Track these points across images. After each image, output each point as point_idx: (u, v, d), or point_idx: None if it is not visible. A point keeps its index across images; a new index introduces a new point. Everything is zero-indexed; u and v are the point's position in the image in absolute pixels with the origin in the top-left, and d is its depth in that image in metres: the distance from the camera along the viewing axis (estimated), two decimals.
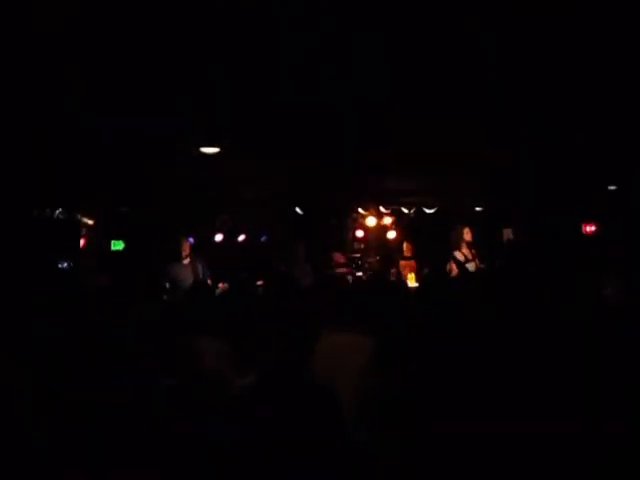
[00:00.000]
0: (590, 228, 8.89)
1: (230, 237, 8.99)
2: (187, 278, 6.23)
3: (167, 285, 6.20)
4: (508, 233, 9.79)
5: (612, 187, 7.49)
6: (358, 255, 9.88)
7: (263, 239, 9.14)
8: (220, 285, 6.39)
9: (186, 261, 6.57)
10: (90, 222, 7.65)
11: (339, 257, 8.29)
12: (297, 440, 2.06)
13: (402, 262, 8.73)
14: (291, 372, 2.47)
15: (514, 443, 2.14)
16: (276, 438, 2.05)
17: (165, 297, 5.50)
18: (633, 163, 6.24)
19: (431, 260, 7.87)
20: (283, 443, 2.04)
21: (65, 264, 4.68)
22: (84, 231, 7.41)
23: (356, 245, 10.21)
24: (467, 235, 7.83)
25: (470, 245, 7.79)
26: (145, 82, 3.76)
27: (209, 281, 6.28)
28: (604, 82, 3.86)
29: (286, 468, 1.98)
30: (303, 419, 2.10)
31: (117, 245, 7.93)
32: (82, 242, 7.21)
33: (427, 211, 8.84)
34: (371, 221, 9.34)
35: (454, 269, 7.49)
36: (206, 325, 3.21)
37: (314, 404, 2.16)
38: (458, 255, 7.71)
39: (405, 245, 8.82)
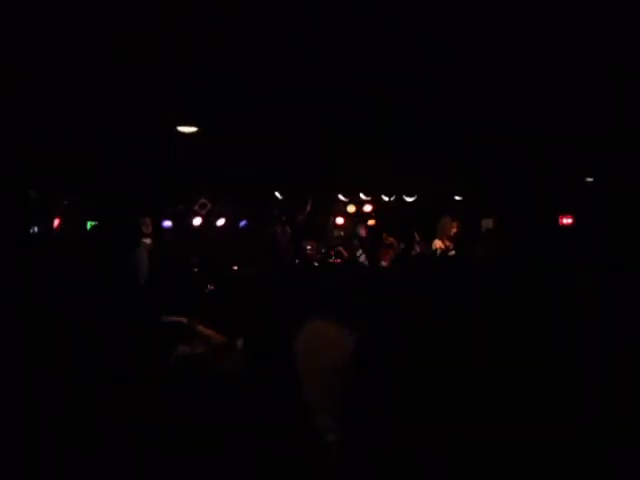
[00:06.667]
0: (567, 220, 8.95)
1: (209, 221, 8.91)
2: None
3: None
4: (487, 223, 9.83)
5: (589, 179, 7.55)
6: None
7: (243, 224, 9.07)
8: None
9: None
10: (65, 202, 7.52)
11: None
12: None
13: (382, 250, 8.74)
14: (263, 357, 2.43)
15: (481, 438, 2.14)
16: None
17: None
18: (610, 155, 6.29)
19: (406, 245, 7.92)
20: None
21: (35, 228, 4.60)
22: (59, 211, 7.30)
23: (336, 232, 10.20)
24: (454, 228, 7.93)
25: (452, 237, 7.85)
26: (122, 62, 3.70)
27: None
28: (582, 73, 3.88)
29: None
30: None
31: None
32: (56, 222, 7.12)
33: (407, 199, 8.85)
34: (351, 208, 9.33)
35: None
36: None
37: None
38: (437, 244, 7.76)
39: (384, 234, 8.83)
